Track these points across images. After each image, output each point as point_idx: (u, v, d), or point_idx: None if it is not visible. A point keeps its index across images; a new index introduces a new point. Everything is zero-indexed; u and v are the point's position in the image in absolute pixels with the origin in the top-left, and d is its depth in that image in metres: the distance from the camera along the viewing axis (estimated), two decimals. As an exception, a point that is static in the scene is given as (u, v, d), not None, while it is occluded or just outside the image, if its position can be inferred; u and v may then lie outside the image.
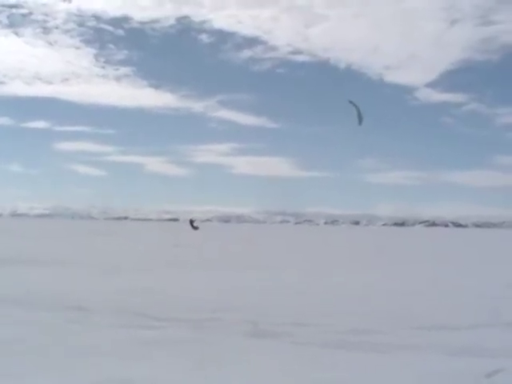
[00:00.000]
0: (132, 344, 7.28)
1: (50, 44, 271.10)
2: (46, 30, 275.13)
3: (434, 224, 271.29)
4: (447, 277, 16.72)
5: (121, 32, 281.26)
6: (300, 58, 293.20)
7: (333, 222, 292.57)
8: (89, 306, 10.03)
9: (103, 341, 7.44)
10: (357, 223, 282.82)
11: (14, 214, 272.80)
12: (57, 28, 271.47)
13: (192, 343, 7.45)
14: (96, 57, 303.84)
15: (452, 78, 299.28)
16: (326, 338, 7.85)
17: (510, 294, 12.97)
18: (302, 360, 6.74)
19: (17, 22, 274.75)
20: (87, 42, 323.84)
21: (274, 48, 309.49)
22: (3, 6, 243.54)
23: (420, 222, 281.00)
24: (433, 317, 9.73)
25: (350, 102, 24.59)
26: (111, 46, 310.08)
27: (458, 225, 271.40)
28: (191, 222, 69.20)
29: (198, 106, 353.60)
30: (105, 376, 5.88)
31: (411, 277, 16.52)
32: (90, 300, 10.63)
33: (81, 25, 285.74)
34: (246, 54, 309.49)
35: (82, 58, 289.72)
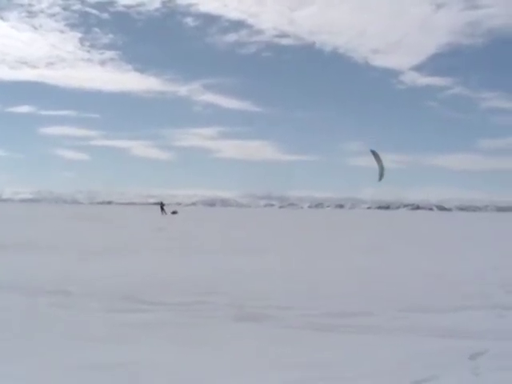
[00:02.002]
0: (118, 328, 7.29)
1: (35, 28, 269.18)
2: (32, 14, 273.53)
3: (418, 207, 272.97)
4: (433, 260, 16.81)
5: (106, 16, 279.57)
6: (286, 41, 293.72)
7: (317, 205, 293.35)
8: (74, 290, 10.01)
9: (89, 325, 7.45)
10: (341, 206, 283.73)
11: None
12: (42, 12, 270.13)
13: (178, 327, 7.48)
14: (81, 41, 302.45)
15: (437, 62, 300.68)
16: (312, 321, 7.90)
17: (496, 276, 13.07)
18: (288, 343, 6.78)
19: (2, 5, 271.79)
20: (72, 26, 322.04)
21: (259, 31, 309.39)
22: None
23: (404, 206, 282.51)
24: (418, 299, 9.81)
25: (373, 152, 23.75)
26: (96, 29, 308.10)
27: (442, 208, 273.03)
28: (161, 205, 63.48)
29: (183, 89, 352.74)
30: (92, 360, 5.89)
31: (397, 260, 16.61)
32: (76, 284, 10.59)
33: (66, 9, 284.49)
34: (232, 37, 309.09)
35: (67, 42, 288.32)
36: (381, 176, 23.41)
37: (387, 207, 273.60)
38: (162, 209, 62.07)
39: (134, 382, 5.41)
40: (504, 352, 6.54)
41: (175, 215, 59.41)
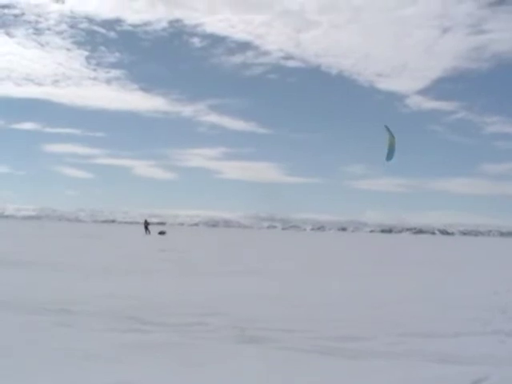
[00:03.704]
0: (120, 348, 7.28)
1: (42, 45, 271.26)
2: (38, 31, 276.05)
3: (420, 231, 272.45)
4: (434, 284, 16.77)
5: (113, 34, 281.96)
6: (292, 63, 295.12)
7: (320, 228, 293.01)
8: (76, 309, 10.01)
9: (91, 344, 7.43)
10: (344, 229, 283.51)
11: (1, 216, 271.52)
12: (49, 29, 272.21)
13: (179, 348, 7.46)
14: (87, 59, 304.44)
15: (442, 86, 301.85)
16: (312, 344, 7.89)
17: (497, 302, 13.02)
18: (288, 365, 6.77)
19: (8, 22, 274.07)
20: (79, 44, 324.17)
21: (265, 53, 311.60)
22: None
23: (407, 230, 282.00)
24: (419, 324, 9.78)
25: (386, 128, 21.99)
26: (103, 48, 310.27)
27: (444, 232, 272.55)
28: (146, 224, 57.67)
29: (187, 109, 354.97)
30: (93, 380, 5.89)
31: (398, 284, 16.57)
32: (77, 303, 10.59)
33: (73, 26, 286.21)
34: (238, 58, 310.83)
35: (74, 60, 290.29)
36: (391, 154, 21.58)
37: (390, 231, 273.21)
38: (146, 228, 56.80)
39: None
40: (505, 378, 6.52)
41: (162, 236, 54.30)
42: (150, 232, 55.68)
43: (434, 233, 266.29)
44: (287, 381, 6.14)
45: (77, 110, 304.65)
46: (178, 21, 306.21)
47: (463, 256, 40.95)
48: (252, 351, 7.42)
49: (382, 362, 7.06)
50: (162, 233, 57.12)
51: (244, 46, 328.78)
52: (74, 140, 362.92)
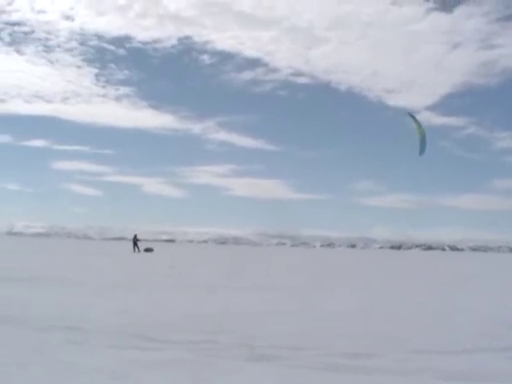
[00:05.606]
0: (130, 364, 7.29)
1: (52, 63, 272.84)
2: (48, 49, 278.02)
3: (430, 247, 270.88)
4: (443, 300, 16.70)
5: (122, 52, 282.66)
6: (301, 80, 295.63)
7: (329, 244, 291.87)
8: (85, 326, 10.03)
9: (99, 361, 7.44)
10: (353, 246, 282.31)
11: (10, 233, 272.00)
12: (59, 47, 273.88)
13: (189, 365, 7.45)
14: (97, 76, 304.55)
15: (452, 102, 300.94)
16: (322, 362, 7.87)
17: (507, 317, 12.97)
18: (299, 383, 6.75)
19: (18, 39, 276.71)
20: (88, 62, 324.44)
21: (275, 70, 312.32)
22: (5, 23, 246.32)
23: (417, 246, 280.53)
24: (428, 341, 9.74)
25: (410, 115, 20.77)
26: (112, 65, 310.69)
27: (454, 248, 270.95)
28: (135, 240, 53.06)
29: (197, 127, 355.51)
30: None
31: (407, 299, 16.51)
32: (86, 320, 10.62)
33: (83, 44, 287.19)
34: (248, 75, 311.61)
35: (83, 78, 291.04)
36: (422, 146, 20.11)
37: (399, 247, 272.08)
38: (135, 244, 52.71)
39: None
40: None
41: (149, 253, 52.17)
42: (139, 249, 52.25)
43: (443, 249, 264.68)
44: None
45: (86, 128, 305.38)
46: (187, 38, 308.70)
47: (473, 272, 40.74)
48: (262, 369, 7.41)
49: (392, 379, 7.04)
50: (148, 250, 54.18)
51: (253, 63, 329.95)
52: (83, 157, 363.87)
